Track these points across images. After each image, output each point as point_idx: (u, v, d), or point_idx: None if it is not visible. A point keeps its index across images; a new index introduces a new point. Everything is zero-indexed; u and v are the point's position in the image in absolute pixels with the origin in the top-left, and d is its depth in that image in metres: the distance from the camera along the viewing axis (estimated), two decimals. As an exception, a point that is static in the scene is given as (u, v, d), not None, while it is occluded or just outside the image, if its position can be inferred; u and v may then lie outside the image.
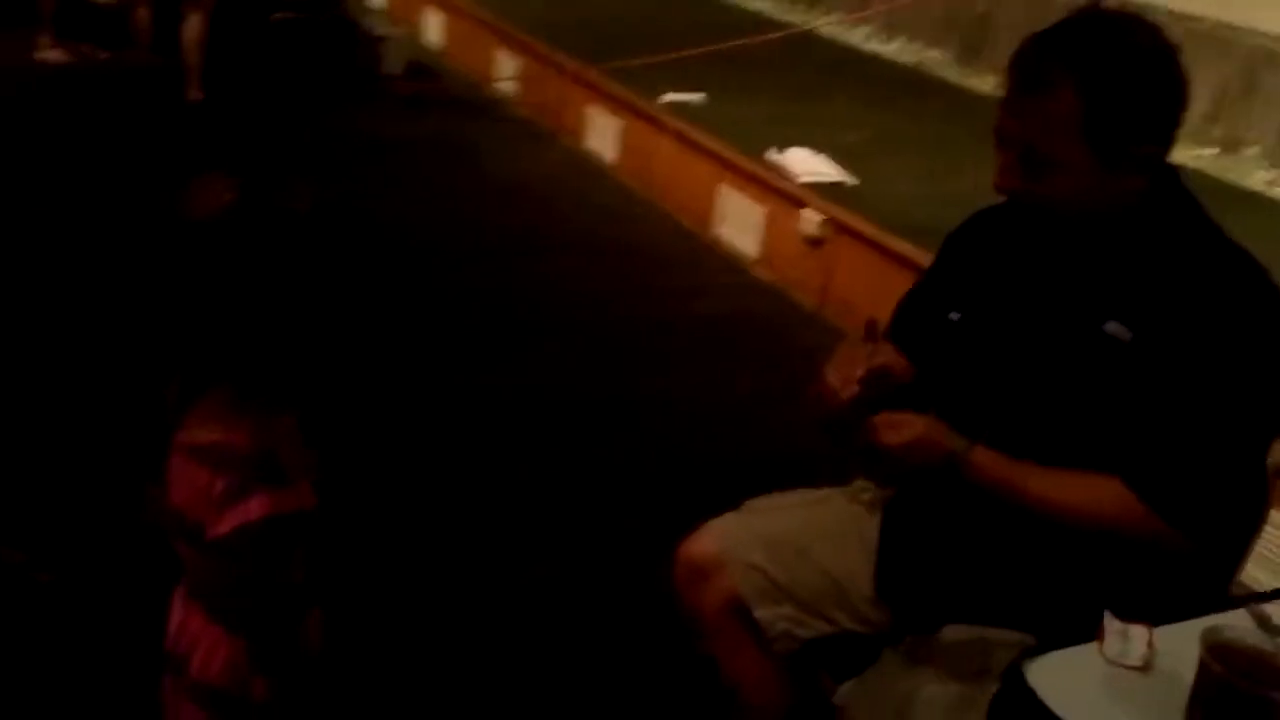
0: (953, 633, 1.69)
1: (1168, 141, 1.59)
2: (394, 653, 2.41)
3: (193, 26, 5.72)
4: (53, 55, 6.18)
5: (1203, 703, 1.17)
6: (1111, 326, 1.58)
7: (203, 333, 1.36)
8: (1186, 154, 5.57)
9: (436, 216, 5.08)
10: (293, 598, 1.49)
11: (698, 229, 5.23)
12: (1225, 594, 1.68)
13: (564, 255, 4.86)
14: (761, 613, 1.86)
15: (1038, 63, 1.55)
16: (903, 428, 1.60)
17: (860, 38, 7.81)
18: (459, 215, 5.14)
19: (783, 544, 1.89)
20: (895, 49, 7.54)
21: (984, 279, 1.79)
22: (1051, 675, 1.30)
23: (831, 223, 4.39)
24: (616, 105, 5.87)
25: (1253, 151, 5.33)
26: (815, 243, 4.46)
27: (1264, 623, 1.42)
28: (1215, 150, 5.47)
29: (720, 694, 1.99)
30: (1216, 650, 1.16)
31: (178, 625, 1.51)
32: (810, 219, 4.45)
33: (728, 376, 3.87)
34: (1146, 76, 1.53)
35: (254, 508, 1.36)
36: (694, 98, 5.59)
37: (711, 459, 3.30)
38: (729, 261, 4.97)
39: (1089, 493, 1.57)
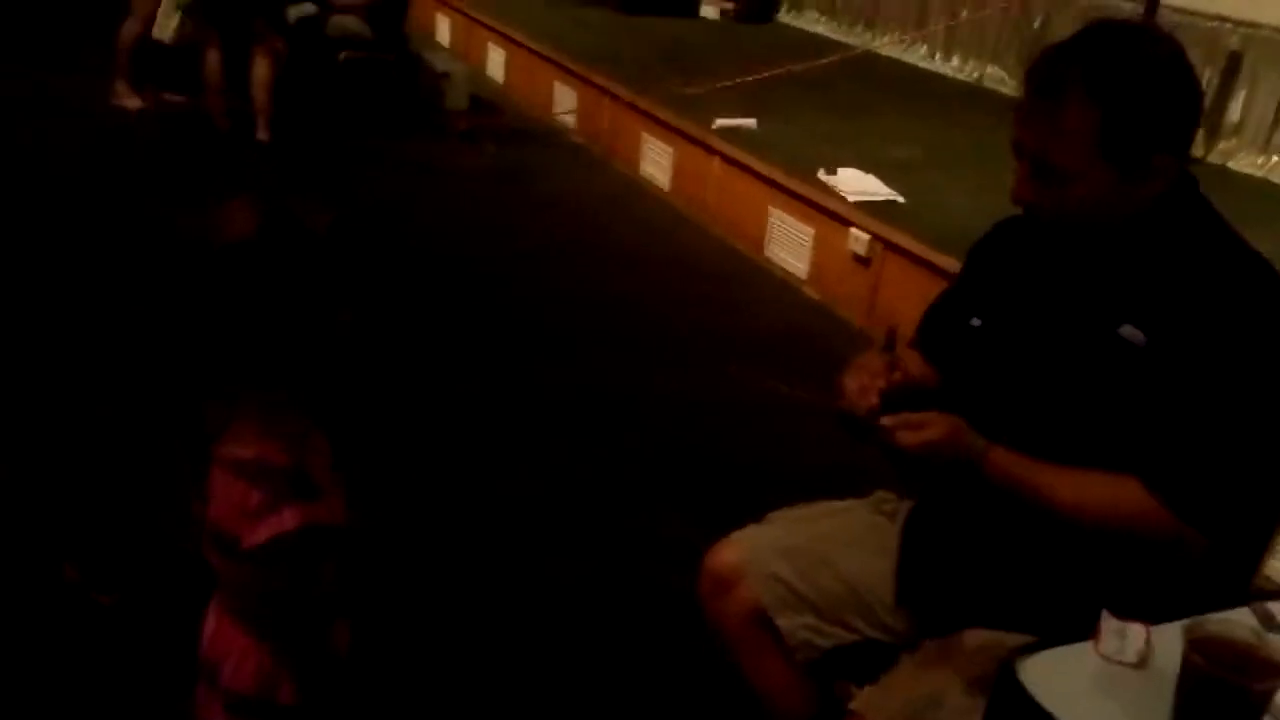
0: (970, 638, 1.70)
1: (1185, 149, 1.61)
2: (420, 658, 2.48)
3: (261, 68, 5.92)
4: (130, 102, 6.38)
5: (1185, 694, 1.18)
6: (1126, 330, 1.60)
7: (234, 352, 1.44)
8: (1248, 162, 5.49)
9: (498, 242, 5.22)
10: (322, 608, 1.56)
11: (750, 251, 5.27)
12: (1245, 591, 1.67)
13: (620, 275, 4.96)
14: (783, 622, 1.89)
15: (1052, 74, 1.57)
16: (924, 428, 1.62)
17: (919, 57, 7.81)
18: (520, 240, 5.26)
19: (804, 554, 1.92)
20: (954, 67, 7.53)
21: (1004, 286, 1.82)
22: (1044, 672, 1.31)
23: (878, 241, 4.40)
24: (669, 132, 5.95)
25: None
26: (863, 261, 4.48)
27: (1267, 620, 1.42)
28: (1278, 158, 5.38)
29: (746, 702, 2.02)
30: (1198, 643, 1.17)
31: (211, 635, 1.57)
32: (858, 238, 4.48)
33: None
34: (1162, 88, 1.55)
35: (288, 519, 1.42)
36: (745, 122, 5.64)
37: (758, 468, 3.35)
38: (781, 281, 5.01)
39: (1107, 492, 1.58)
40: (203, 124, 6.10)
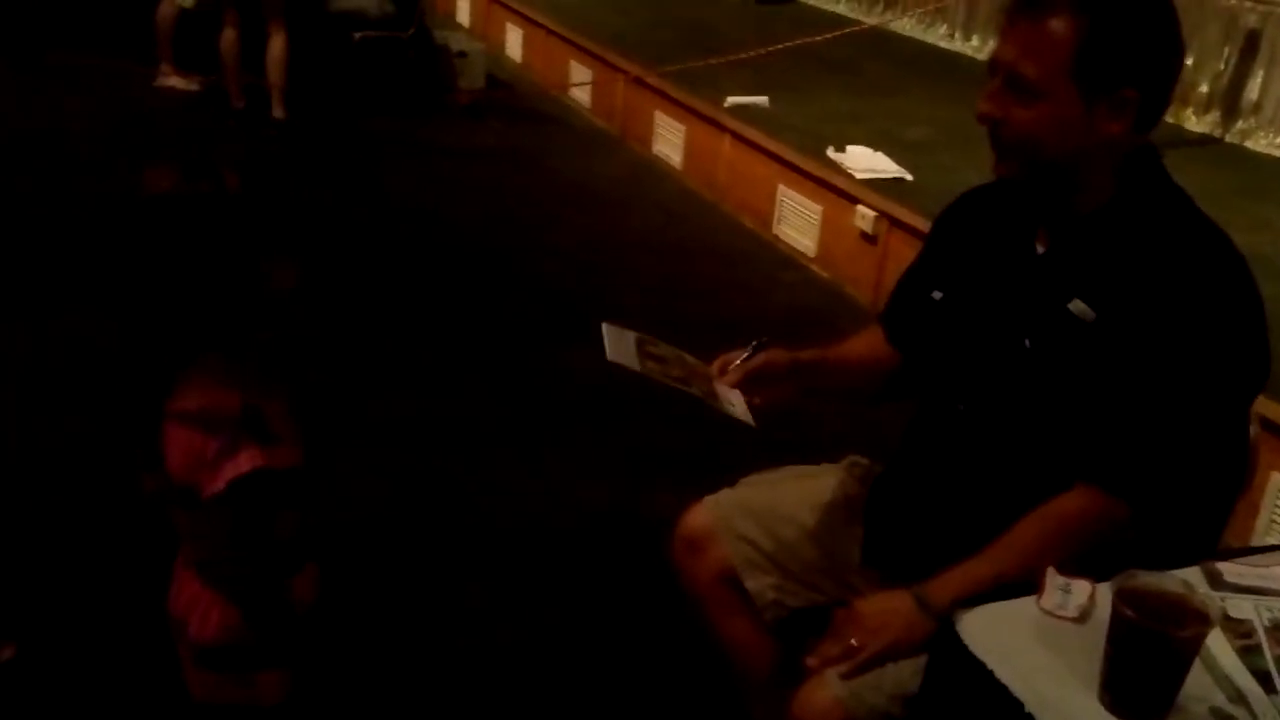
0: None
1: (1155, 93, 1.58)
2: (403, 625, 2.53)
3: (276, 46, 5.96)
4: (176, 82, 6.44)
5: (1115, 644, 1.19)
6: (1076, 305, 1.60)
7: (174, 305, 1.47)
8: (1266, 141, 5.47)
9: (512, 218, 5.24)
10: (282, 555, 1.59)
11: (760, 229, 5.27)
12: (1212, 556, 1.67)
13: (632, 254, 4.95)
14: (751, 583, 1.91)
15: None
16: (875, 634, 1.59)
17: (939, 36, 7.76)
18: (534, 218, 5.28)
19: (774, 516, 1.94)
20: (974, 46, 7.47)
21: (966, 258, 1.82)
22: (983, 626, 1.33)
23: (885, 218, 4.39)
24: (681, 110, 5.94)
25: None
26: (869, 239, 4.47)
27: (1214, 578, 1.43)
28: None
29: (716, 664, 2.04)
30: (1127, 594, 1.18)
31: (176, 591, 1.61)
32: (864, 215, 4.47)
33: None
34: (1148, 18, 1.55)
35: (244, 461, 1.46)
36: (757, 100, 5.63)
37: (762, 445, 3.35)
38: (789, 260, 5.00)
39: (1045, 533, 1.56)
40: (219, 102, 6.16)
